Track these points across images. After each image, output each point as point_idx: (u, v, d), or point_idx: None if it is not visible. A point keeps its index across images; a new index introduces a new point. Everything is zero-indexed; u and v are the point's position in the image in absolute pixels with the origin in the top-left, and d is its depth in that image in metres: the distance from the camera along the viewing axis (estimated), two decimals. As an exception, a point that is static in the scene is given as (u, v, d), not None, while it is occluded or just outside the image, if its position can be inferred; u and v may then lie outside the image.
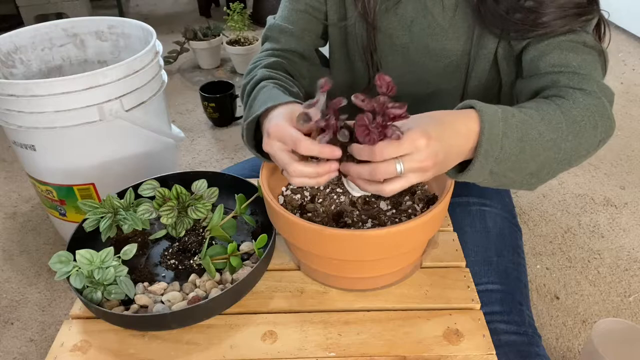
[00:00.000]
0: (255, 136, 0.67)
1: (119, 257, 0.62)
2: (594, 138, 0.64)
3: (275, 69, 0.76)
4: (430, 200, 0.66)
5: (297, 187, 0.70)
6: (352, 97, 0.51)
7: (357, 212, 0.65)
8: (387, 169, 0.51)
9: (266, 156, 0.65)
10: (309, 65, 0.84)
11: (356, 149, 0.53)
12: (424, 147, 0.51)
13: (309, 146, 0.53)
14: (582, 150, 0.63)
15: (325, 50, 0.89)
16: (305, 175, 0.55)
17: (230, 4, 2.29)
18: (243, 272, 0.65)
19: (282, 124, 0.57)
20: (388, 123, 0.50)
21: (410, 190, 0.68)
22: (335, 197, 0.68)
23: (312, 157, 0.57)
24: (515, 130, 0.56)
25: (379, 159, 0.51)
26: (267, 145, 0.58)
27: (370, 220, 0.64)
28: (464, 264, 0.69)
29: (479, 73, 0.77)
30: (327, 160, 0.55)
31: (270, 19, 0.84)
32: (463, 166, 0.59)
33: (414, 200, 0.66)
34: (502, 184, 0.61)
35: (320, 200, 0.67)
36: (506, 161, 0.57)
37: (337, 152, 0.54)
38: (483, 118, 0.55)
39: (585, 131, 0.62)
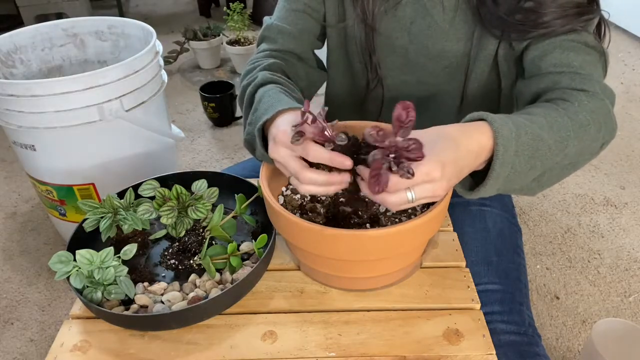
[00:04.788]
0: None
1: (119, 257, 0.62)
2: (597, 142, 0.64)
3: (275, 71, 0.75)
4: (430, 200, 0.66)
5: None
6: (366, 132, 0.49)
7: (358, 212, 0.65)
8: (399, 200, 0.50)
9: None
10: (306, 67, 0.83)
11: (364, 188, 0.52)
12: (439, 178, 0.50)
13: (320, 152, 0.53)
14: (585, 155, 0.64)
15: (321, 52, 0.88)
16: (317, 183, 0.54)
17: (230, 4, 2.29)
18: (243, 272, 0.65)
19: (290, 131, 0.55)
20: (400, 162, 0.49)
21: (410, 190, 0.68)
22: (335, 197, 0.68)
23: (321, 166, 0.56)
24: (527, 148, 0.56)
25: (391, 191, 0.50)
26: (275, 152, 0.57)
27: (370, 220, 0.64)
28: (464, 264, 0.69)
29: (478, 74, 0.77)
30: (339, 171, 0.54)
31: (267, 20, 0.83)
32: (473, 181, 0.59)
33: (414, 200, 0.66)
34: (505, 192, 0.62)
35: (320, 200, 0.67)
36: (516, 179, 0.57)
37: (348, 162, 0.52)
38: (498, 141, 0.54)
39: (590, 135, 0.62)
